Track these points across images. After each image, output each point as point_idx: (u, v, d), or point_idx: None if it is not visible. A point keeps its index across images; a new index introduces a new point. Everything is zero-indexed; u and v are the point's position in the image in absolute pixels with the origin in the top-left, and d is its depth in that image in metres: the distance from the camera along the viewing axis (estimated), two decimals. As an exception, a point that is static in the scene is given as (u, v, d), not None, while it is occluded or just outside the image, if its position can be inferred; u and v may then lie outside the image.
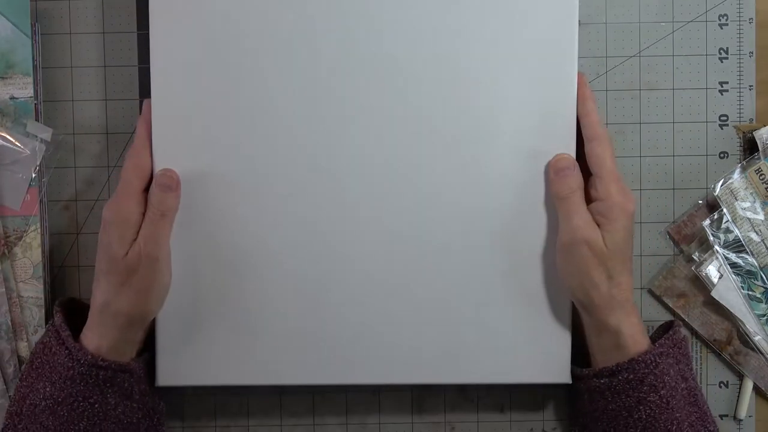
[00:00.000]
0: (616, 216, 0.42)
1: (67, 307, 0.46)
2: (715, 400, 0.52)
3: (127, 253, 0.42)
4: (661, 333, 0.47)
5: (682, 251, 0.51)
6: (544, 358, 0.47)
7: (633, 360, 0.42)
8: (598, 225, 0.43)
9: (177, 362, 0.47)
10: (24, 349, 0.49)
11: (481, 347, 0.47)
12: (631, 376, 0.42)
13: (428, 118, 0.46)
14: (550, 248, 0.46)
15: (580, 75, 0.45)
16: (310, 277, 0.47)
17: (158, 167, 0.45)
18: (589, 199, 0.44)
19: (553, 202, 0.45)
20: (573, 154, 0.45)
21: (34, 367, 0.43)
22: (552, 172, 0.44)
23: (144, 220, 0.43)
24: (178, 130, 0.46)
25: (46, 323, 0.49)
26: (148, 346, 0.47)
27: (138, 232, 0.43)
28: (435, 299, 0.47)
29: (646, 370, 0.41)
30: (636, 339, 0.42)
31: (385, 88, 0.46)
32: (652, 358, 0.42)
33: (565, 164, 0.43)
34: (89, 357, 0.41)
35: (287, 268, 0.46)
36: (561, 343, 0.47)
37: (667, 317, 0.52)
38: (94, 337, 0.43)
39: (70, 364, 0.41)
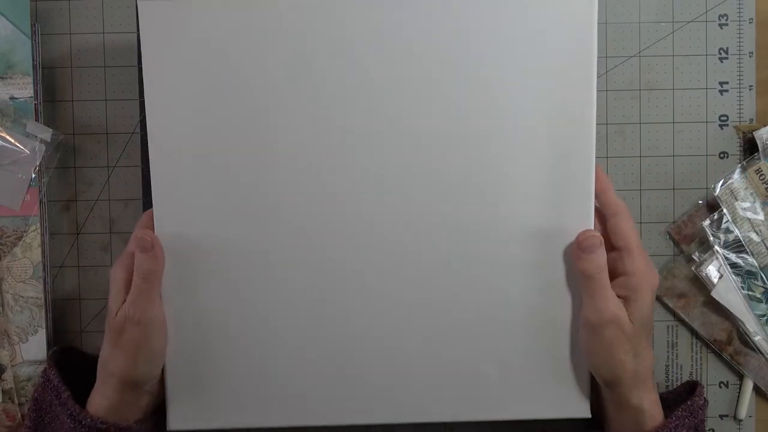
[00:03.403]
0: (643, 291, 0.42)
1: (60, 356, 0.47)
2: (715, 400, 0.52)
3: (116, 315, 0.42)
4: (681, 392, 0.46)
5: (682, 251, 0.51)
6: (563, 392, 0.45)
7: None
8: (623, 299, 0.42)
9: (187, 405, 0.45)
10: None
11: (496, 383, 0.45)
12: None
13: (437, 152, 0.44)
14: (566, 280, 0.44)
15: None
16: (318, 319, 0.45)
17: (157, 207, 0.44)
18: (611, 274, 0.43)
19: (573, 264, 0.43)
20: (593, 200, 0.44)
21: (38, 426, 0.44)
22: (579, 249, 0.42)
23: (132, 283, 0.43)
24: (177, 169, 0.44)
25: (46, 324, 0.49)
26: (159, 410, 0.46)
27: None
28: (447, 335, 0.45)
29: None
30: (653, 415, 0.43)
31: (387, 124, 0.43)
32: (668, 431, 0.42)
33: (593, 242, 0.42)
34: (89, 420, 0.42)
35: (294, 310, 0.44)
36: (580, 376, 0.45)
37: (668, 317, 0.52)
38: (97, 397, 0.43)
39: (73, 426, 0.42)
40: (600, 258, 0.42)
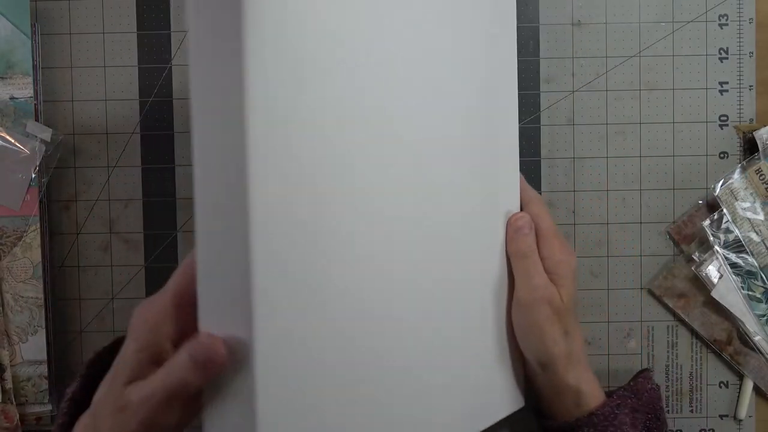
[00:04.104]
0: (564, 272, 0.43)
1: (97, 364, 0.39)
2: (715, 400, 0.52)
3: (124, 388, 0.32)
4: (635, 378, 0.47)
5: (682, 251, 0.52)
6: (496, 391, 0.43)
7: (592, 414, 0.42)
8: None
9: None
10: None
11: (435, 404, 0.39)
12: (591, 430, 0.42)
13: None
14: (488, 275, 0.42)
15: None
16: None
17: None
18: None
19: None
20: (518, 186, 0.44)
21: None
22: (511, 230, 0.43)
23: (158, 372, 0.31)
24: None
25: (46, 324, 0.49)
26: None
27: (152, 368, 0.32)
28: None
29: (606, 422, 0.42)
30: (594, 394, 0.43)
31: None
32: (610, 410, 0.42)
33: (524, 222, 0.43)
34: None
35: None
36: (507, 371, 0.44)
37: (668, 317, 0.52)
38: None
39: None
40: (531, 237, 0.43)
